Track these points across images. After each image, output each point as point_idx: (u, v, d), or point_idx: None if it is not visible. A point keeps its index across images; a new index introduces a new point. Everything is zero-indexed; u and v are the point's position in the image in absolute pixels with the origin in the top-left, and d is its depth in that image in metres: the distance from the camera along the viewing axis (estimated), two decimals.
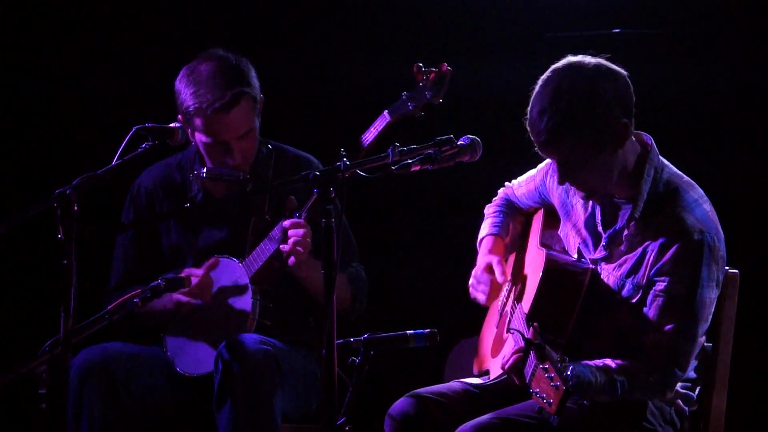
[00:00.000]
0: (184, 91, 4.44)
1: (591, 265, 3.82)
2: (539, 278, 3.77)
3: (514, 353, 3.61)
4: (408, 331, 3.87)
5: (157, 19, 5.74)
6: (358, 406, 3.76)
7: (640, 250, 3.72)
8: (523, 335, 3.56)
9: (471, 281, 4.07)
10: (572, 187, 3.89)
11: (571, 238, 3.92)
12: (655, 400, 3.77)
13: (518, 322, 3.80)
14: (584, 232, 3.87)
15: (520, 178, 4.17)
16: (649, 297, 3.69)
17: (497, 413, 3.73)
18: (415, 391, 3.91)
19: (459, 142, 3.64)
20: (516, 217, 4.20)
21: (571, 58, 3.76)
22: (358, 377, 3.78)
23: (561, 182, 3.71)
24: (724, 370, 3.90)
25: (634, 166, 3.72)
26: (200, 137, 4.44)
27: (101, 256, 4.67)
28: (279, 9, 5.75)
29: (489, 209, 4.25)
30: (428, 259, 5.60)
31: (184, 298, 4.35)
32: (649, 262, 3.69)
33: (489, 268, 4.04)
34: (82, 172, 3.63)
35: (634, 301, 3.72)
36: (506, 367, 3.62)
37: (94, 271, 4.59)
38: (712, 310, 3.73)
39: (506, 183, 4.24)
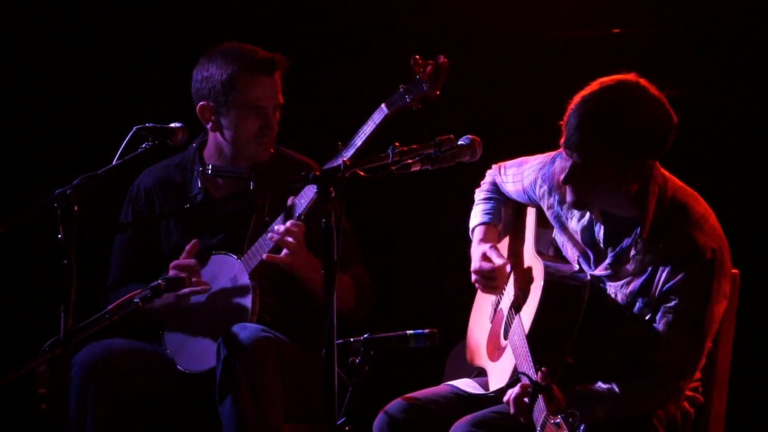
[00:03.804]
0: (219, 64, 4.46)
1: (589, 277, 3.80)
2: (539, 295, 3.74)
3: (520, 396, 3.58)
4: (408, 331, 3.87)
5: (158, 19, 5.74)
6: (358, 406, 3.76)
7: (649, 269, 3.70)
8: (530, 378, 3.54)
9: (474, 277, 3.98)
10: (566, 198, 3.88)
11: (569, 249, 3.89)
12: None
13: (519, 338, 3.75)
14: (582, 246, 3.85)
15: (509, 169, 4.08)
16: (659, 314, 3.68)
17: (495, 408, 3.73)
18: (408, 395, 3.91)
19: (459, 142, 3.64)
20: (507, 201, 4.14)
21: (636, 79, 3.65)
22: (358, 377, 3.77)
23: (565, 182, 3.66)
24: (724, 370, 3.90)
25: (638, 187, 3.68)
26: (237, 111, 4.44)
27: (101, 256, 4.67)
28: (275, 4, 5.76)
29: (479, 194, 4.18)
30: (428, 259, 5.60)
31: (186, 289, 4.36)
32: (661, 281, 3.67)
33: (485, 257, 3.97)
34: (82, 172, 3.63)
35: (647, 318, 3.70)
36: (514, 413, 3.59)
37: (94, 271, 4.59)
38: (719, 322, 3.74)
39: (493, 165, 4.17)
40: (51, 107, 5.69)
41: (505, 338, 3.91)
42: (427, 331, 3.87)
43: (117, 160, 3.78)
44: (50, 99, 5.69)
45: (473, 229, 4.13)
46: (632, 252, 3.72)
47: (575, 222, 3.86)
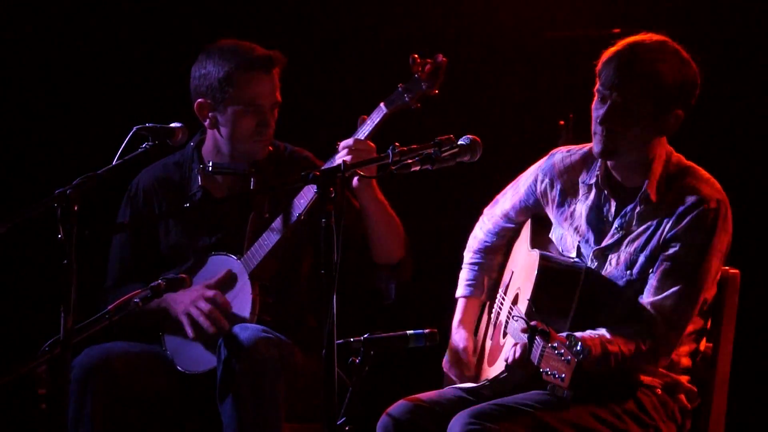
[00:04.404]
0: (216, 61, 4.45)
1: (585, 265, 3.83)
2: (534, 277, 3.78)
3: (518, 344, 3.64)
4: (408, 331, 3.87)
5: (158, 19, 5.74)
6: (358, 406, 3.76)
7: (654, 222, 3.77)
8: (527, 322, 3.58)
9: (445, 363, 4.10)
10: (571, 185, 3.93)
11: (569, 238, 3.93)
12: (661, 395, 3.78)
13: (518, 321, 3.79)
14: (584, 229, 3.89)
15: (503, 195, 4.17)
16: (658, 261, 3.74)
17: (495, 401, 3.75)
18: (411, 396, 3.91)
19: (459, 142, 3.64)
20: (495, 257, 4.21)
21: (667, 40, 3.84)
22: (358, 377, 3.77)
23: (602, 122, 3.75)
24: (724, 370, 3.90)
25: (651, 157, 3.80)
26: (234, 108, 4.44)
27: (101, 256, 4.67)
28: (275, 4, 5.76)
29: (466, 256, 4.26)
30: (428, 259, 5.60)
31: (189, 330, 4.35)
32: (664, 231, 3.75)
33: (459, 352, 4.09)
34: (82, 172, 3.63)
35: (644, 275, 3.76)
36: (516, 358, 3.63)
37: (94, 271, 4.59)
38: (716, 281, 3.80)
39: (484, 210, 4.24)
40: (51, 107, 5.69)
41: (504, 337, 3.92)
42: (427, 331, 3.87)
43: (117, 160, 3.77)
44: (50, 99, 5.69)
45: (457, 299, 4.24)
46: (637, 209, 3.80)
47: (580, 205, 3.92)
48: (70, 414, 4.21)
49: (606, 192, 3.86)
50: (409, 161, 3.58)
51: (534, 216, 4.09)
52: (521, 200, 4.08)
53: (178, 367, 4.43)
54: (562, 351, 3.39)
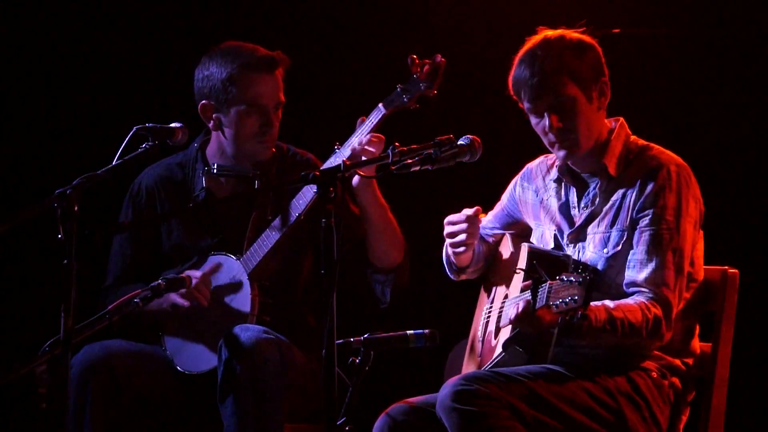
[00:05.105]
0: (219, 62, 4.46)
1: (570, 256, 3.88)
2: (525, 261, 3.80)
3: (519, 303, 3.63)
4: (408, 331, 3.87)
5: (157, 19, 5.74)
6: (358, 406, 3.76)
7: (619, 195, 3.82)
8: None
9: (447, 230, 4.09)
10: (544, 185, 3.99)
11: (546, 232, 3.99)
12: (657, 378, 3.79)
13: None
14: (558, 219, 3.95)
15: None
16: (636, 236, 3.77)
17: (491, 369, 3.76)
18: (410, 399, 3.91)
19: (459, 142, 3.65)
20: (480, 245, 4.22)
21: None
22: (358, 377, 3.77)
23: (551, 127, 3.78)
24: (723, 370, 3.90)
25: (605, 138, 3.86)
26: (237, 109, 4.45)
27: (101, 256, 4.67)
28: (275, 4, 5.77)
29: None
30: (428, 259, 5.60)
31: (180, 301, 4.34)
32: (631, 202, 3.79)
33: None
34: (82, 172, 3.63)
35: (619, 248, 3.78)
36: (519, 311, 3.60)
37: (94, 271, 4.59)
38: (696, 251, 3.82)
39: None
40: (51, 107, 5.69)
41: (496, 338, 3.92)
42: (427, 331, 3.87)
43: (117, 160, 3.77)
44: (50, 99, 5.69)
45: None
46: (599, 185, 3.86)
47: (553, 199, 3.98)
48: (71, 412, 4.21)
49: (565, 180, 3.93)
50: (409, 161, 3.59)
51: (512, 235, 4.13)
52: (504, 207, 4.17)
53: (178, 367, 4.43)
54: (572, 278, 3.38)
